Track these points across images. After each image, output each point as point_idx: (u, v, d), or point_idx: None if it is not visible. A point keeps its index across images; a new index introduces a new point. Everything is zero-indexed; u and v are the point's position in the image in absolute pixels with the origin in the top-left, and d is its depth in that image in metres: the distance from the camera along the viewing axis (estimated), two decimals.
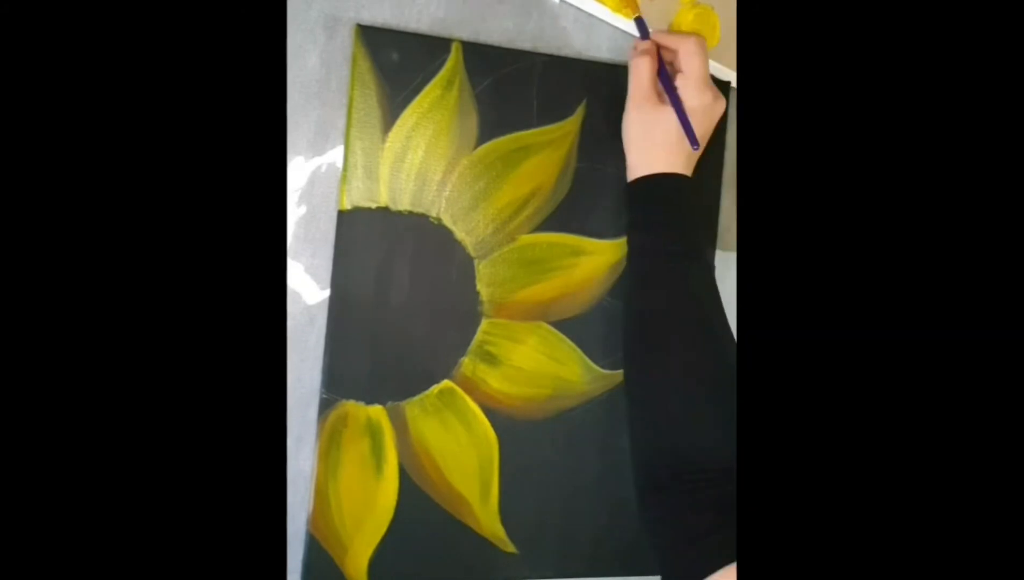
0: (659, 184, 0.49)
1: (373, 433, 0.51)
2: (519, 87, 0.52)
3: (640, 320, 0.49)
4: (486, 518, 0.53)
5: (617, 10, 0.54)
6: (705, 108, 0.48)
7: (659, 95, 0.49)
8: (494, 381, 0.52)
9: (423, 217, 0.51)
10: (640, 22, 0.51)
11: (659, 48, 0.50)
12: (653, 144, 0.49)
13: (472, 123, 0.51)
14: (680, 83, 0.49)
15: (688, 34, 0.49)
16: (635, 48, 0.51)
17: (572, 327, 0.54)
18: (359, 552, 0.51)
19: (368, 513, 0.51)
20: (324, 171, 0.50)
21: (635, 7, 0.51)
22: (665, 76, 0.49)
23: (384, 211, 0.50)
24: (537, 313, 0.53)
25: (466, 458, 0.52)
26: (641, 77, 0.49)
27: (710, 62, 0.55)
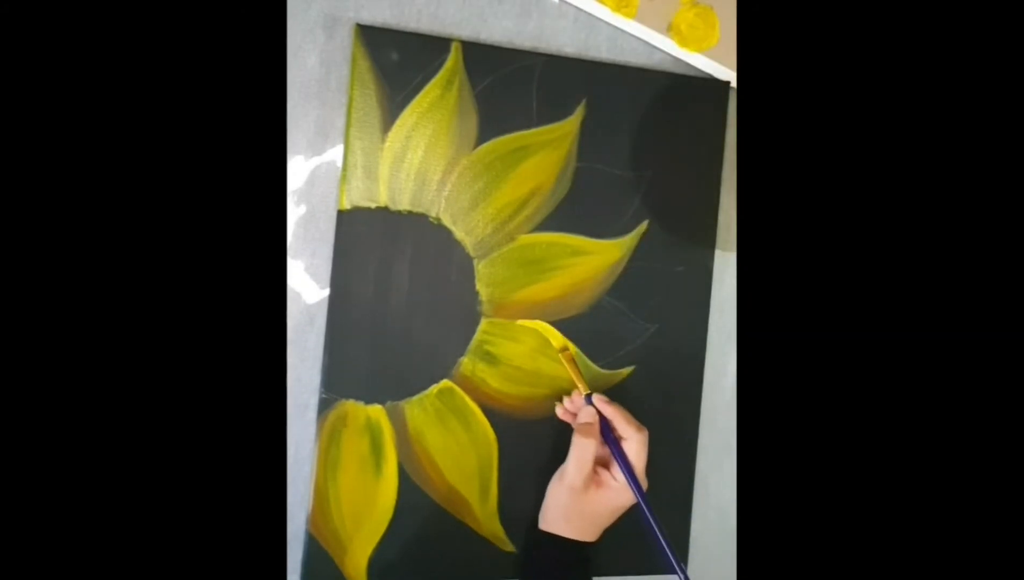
0: (566, 546, 0.49)
1: (372, 433, 0.51)
2: (519, 87, 0.52)
3: None
4: (485, 517, 0.53)
5: (617, 10, 0.54)
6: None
7: (597, 475, 0.49)
8: (493, 381, 0.52)
9: (423, 217, 0.51)
10: (589, 398, 0.51)
11: (603, 418, 0.50)
12: (576, 516, 0.49)
13: (472, 123, 0.51)
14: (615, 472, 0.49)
15: (634, 426, 0.49)
16: (578, 418, 0.51)
17: (571, 327, 0.54)
18: (358, 551, 0.51)
19: (367, 513, 0.51)
20: (323, 171, 0.50)
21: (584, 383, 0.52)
22: (622, 459, 0.49)
23: (384, 211, 0.50)
24: (536, 313, 0.53)
25: (465, 458, 0.52)
26: (584, 457, 0.49)
27: (709, 62, 0.55)
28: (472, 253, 0.52)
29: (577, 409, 0.52)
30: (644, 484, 0.49)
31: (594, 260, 0.54)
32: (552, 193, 0.53)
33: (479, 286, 0.52)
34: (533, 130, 0.52)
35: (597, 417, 0.50)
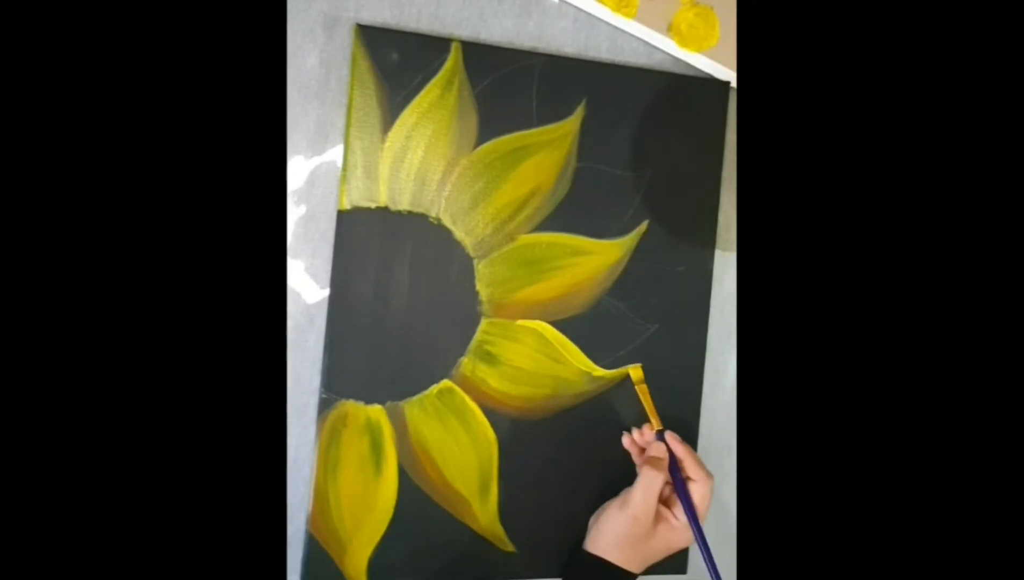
0: (614, 574, 0.48)
1: (372, 433, 0.51)
2: (519, 87, 0.52)
3: None
4: (485, 518, 0.53)
5: (617, 10, 0.54)
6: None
7: (659, 511, 0.49)
8: (493, 381, 0.52)
9: (423, 217, 0.51)
10: (660, 434, 0.52)
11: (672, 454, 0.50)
12: (630, 546, 0.48)
13: (472, 123, 0.51)
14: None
15: (704, 470, 0.49)
16: (649, 452, 0.51)
17: (571, 327, 0.54)
18: (358, 552, 0.51)
19: (367, 513, 0.51)
20: (323, 171, 0.50)
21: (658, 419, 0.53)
22: (685, 497, 0.49)
23: (384, 211, 0.50)
24: (536, 313, 0.53)
25: (465, 458, 0.52)
26: (651, 489, 0.48)
27: (709, 62, 0.55)
28: (472, 253, 0.52)
29: (646, 443, 0.52)
30: (702, 519, 0.49)
31: (594, 260, 0.54)
32: (552, 193, 0.53)
33: (479, 286, 0.52)
34: (533, 130, 0.52)
35: (667, 453, 0.50)
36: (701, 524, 0.49)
